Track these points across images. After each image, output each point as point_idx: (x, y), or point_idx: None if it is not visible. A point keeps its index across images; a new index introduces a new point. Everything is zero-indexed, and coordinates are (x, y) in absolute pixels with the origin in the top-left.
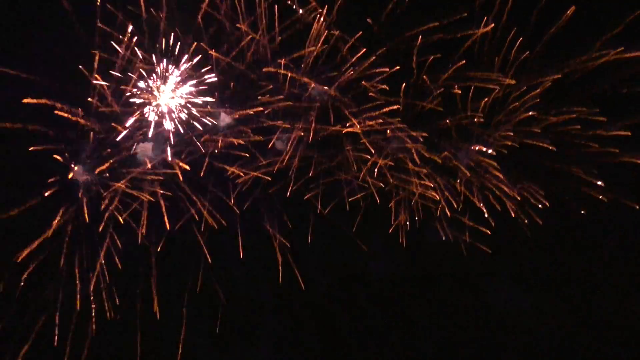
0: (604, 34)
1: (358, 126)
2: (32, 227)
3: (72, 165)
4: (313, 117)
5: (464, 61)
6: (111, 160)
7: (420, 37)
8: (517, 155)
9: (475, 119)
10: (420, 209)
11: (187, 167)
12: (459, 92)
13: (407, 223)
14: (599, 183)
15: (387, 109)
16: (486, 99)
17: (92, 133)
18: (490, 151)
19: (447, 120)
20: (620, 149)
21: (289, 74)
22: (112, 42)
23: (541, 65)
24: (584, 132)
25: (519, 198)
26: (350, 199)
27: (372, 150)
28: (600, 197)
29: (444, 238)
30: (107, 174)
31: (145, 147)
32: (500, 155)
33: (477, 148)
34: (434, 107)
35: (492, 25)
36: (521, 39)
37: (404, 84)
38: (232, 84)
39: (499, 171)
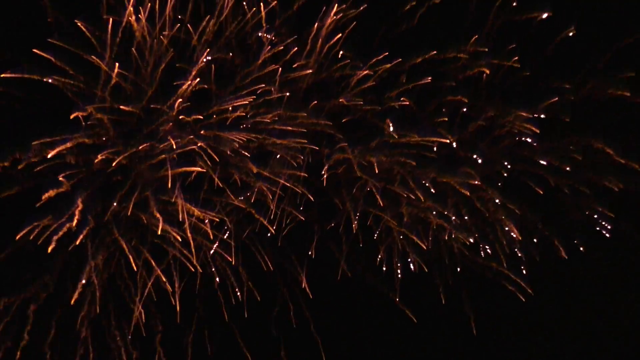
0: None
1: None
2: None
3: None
4: (307, 143)
5: (465, 100)
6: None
7: (403, 77)
8: (512, 184)
9: (462, 149)
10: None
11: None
12: (453, 142)
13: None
14: (605, 225)
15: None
16: (477, 123)
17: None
18: (476, 182)
19: (434, 149)
20: (624, 180)
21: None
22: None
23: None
24: (586, 162)
25: (518, 234)
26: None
27: (359, 173)
28: (603, 231)
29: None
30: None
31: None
32: (494, 184)
33: (463, 171)
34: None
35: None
36: (516, 57)
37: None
38: (229, 108)
39: (491, 200)
